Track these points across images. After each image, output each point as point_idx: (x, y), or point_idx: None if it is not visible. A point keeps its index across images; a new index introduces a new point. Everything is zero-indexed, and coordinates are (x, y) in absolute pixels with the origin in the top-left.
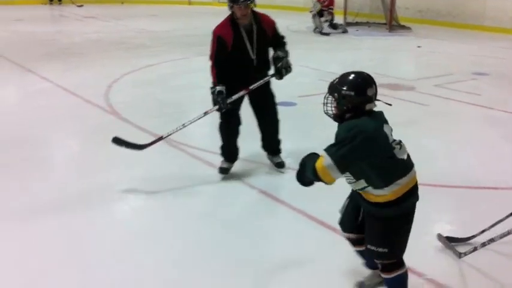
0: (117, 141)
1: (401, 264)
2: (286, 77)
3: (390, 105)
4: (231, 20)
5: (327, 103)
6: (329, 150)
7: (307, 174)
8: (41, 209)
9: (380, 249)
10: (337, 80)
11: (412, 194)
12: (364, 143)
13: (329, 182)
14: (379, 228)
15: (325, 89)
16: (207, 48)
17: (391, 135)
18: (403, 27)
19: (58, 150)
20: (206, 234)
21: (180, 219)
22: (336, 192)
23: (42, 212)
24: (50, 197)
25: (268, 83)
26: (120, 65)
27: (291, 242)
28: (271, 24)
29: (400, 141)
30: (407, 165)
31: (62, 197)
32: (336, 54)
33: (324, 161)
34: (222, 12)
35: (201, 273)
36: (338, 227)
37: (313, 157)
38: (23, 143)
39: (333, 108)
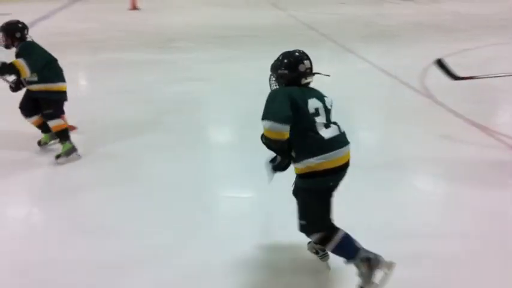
0: (440, 64)
1: (330, 236)
2: None
3: (328, 76)
4: None
5: (270, 82)
6: (264, 117)
7: (271, 147)
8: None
9: (301, 222)
10: (276, 60)
11: (331, 173)
12: (284, 95)
13: (283, 138)
14: (299, 199)
15: None
16: None
17: (324, 111)
18: None
19: (368, 125)
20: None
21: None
22: None
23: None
24: None
25: None
26: (437, 48)
27: None
28: None
29: (334, 122)
30: (329, 145)
31: None
32: None
33: (266, 125)
34: None
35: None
36: None
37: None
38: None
39: (275, 86)
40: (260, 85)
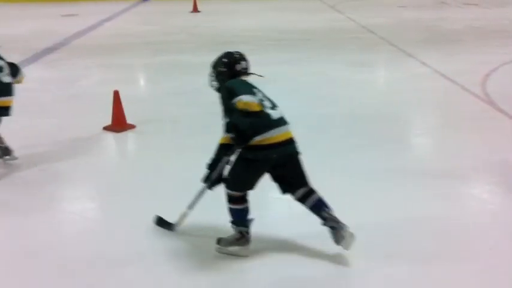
0: None
1: (240, 201)
2: None
3: (262, 76)
4: None
5: (210, 78)
6: (236, 95)
7: (240, 125)
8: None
9: (227, 176)
10: (217, 59)
11: (276, 147)
12: (239, 82)
13: (257, 108)
14: (237, 162)
15: None
16: None
17: (267, 98)
18: None
19: (425, 131)
20: None
21: None
22: None
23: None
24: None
25: None
26: (500, 54)
27: None
28: None
29: (274, 106)
30: (275, 124)
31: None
32: None
33: (243, 99)
34: None
35: None
36: None
37: (227, 125)
38: (385, 120)
39: (215, 82)
40: (316, 88)
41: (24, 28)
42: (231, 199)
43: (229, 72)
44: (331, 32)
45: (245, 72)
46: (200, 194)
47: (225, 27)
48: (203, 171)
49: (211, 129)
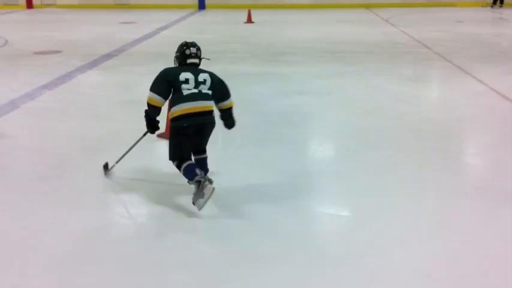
0: None
1: (180, 165)
2: None
3: (209, 59)
4: None
5: (174, 60)
6: (150, 89)
7: (148, 111)
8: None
9: (169, 153)
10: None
11: (185, 118)
12: (160, 76)
13: (158, 105)
14: (170, 138)
15: None
16: None
17: (195, 80)
18: None
19: (478, 150)
20: None
21: None
22: None
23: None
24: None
25: None
26: None
27: None
28: None
29: (199, 87)
30: (185, 99)
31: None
32: None
33: (148, 95)
34: None
35: None
36: None
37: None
38: (439, 136)
39: (176, 63)
40: (368, 102)
41: (83, 34)
42: (178, 167)
43: (181, 56)
44: (384, 46)
45: (194, 56)
46: (134, 144)
47: (278, 38)
48: (255, 183)
49: (264, 140)
